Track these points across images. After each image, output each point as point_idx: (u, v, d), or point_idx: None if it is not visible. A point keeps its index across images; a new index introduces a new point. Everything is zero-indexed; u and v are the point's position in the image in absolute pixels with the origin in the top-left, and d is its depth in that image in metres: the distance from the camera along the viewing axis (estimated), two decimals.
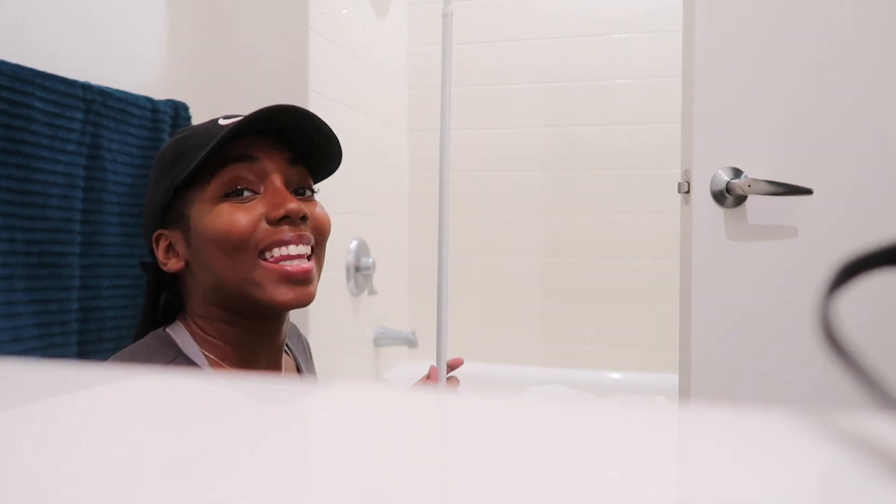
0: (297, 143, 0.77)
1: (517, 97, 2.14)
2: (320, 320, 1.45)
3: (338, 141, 0.79)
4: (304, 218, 0.73)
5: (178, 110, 1.16)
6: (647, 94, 2.04)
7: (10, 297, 0.85)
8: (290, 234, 0.73)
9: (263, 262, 0.72)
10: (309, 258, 0.75)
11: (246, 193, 0.73)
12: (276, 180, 0.74)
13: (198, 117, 1.23)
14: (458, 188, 2.18)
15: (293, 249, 0.73)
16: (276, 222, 0.72)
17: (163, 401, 0.29)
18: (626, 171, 2.05)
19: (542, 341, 2.13)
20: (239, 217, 0.71)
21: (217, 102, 1.38)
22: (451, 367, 1.01)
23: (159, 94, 1.16)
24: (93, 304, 0.98)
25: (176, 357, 0.72)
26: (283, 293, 0.72)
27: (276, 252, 0.72)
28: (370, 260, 1.75)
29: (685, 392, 1.16)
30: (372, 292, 1.77)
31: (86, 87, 0.96)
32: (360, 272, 1.74)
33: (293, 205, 0.72)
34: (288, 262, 0.72)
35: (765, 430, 0.23)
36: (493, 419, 0.26)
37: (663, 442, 0.24)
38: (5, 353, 0.84)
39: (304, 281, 0.73)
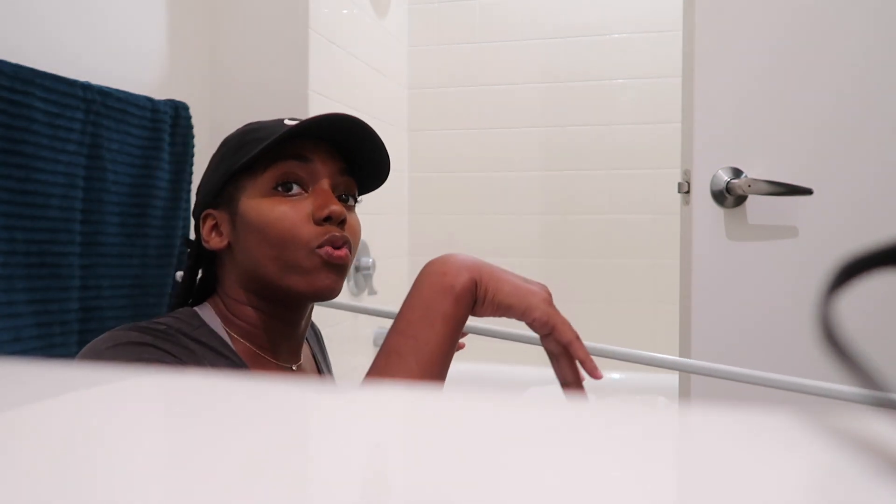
0: (349, 155, 0.83)
1: (517, 97, 2.14)
2: (320, 320, 1.44)
3: (388, 159, 0.84)
4: (342, 222, 0.78)
5: (178, 110, 1.16)
6: (647, 94, 2.03)
7: (10, 297, 0.85)
8: (333, 234, 0.78)
9: (314, 252, 0.77)
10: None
11: (295, 189, 0.78)
12: (325, 183, 0.79)
13: (198, 117, 1.23)
14: (458, 188, 2.18)
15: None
16: (320, 222, 0.77)
17: (163, 401, 0.29)
18: (626, 171, 2.05)
19: None
20: (288, 212, 0.77)
21: (217, 102, 1.38)
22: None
23: (159, 94, 1.17)
24: (93, 304, 0.98)
25: (200, 326, 0.77)
26: (323, 278, 0.77)
27: (326, 245, 0.78)
28: (370, 260, 1.75)
29: (685, 392, 1.16)
30: (372, 292, 1.77)
31: (86, 87, 0.96)
32: (360, 272, 1.74)
33: (336, 207, 0.77)
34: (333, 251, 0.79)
35: (764, 430, 0.23)
36: (492, 420, 0.26)
37: (663, 442, 0.24)
38: (5, 353, 0.84)
39: (342, 269, 0.79)
